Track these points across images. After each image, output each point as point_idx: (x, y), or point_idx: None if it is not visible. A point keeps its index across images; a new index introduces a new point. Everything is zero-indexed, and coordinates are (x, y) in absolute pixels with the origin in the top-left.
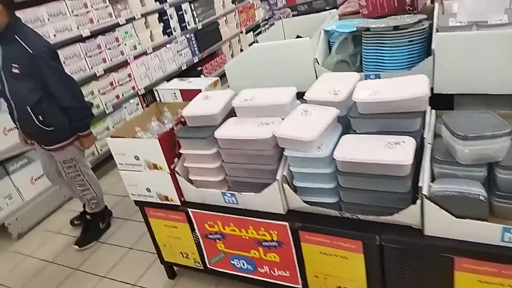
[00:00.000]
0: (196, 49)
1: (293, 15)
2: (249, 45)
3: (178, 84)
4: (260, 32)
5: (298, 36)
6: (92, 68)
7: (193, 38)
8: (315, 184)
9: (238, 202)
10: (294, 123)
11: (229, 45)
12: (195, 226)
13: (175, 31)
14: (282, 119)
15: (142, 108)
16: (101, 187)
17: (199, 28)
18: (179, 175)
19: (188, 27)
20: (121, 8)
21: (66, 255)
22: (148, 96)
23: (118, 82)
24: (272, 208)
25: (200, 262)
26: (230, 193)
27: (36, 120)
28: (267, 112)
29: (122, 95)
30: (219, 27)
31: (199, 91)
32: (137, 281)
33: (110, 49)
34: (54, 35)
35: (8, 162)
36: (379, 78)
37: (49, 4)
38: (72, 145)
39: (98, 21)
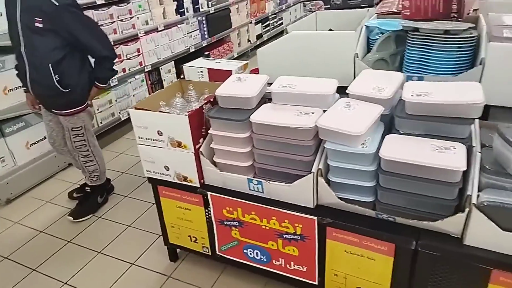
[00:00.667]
0: (206, 33)
1: (325, 9)
2: (257, 37)
3: (205, 63)
4: (268, 25)
5: (331, 30)
6: None
7: (204, 21)
8: (353, 181)
9: (264, 191)
10: (337, 116)
11: (238, 34)
12: (211, 210)
13: (187, 11)
14: (324, 111)
15: (147, 85)
16: (104, 160)
17: (211, 12)
18: (204, 156)
19: (201, 10)
20: None
21: (59, 226)
22: (154, 74)
23: (126, 56)
24: (301, 201)
25: (209, 248)
26: (257, 181)
27: (54, 80)
28: (307, 101)
29: (129, 69)
30: (230, 14)
31: (229, 72)
32: (136, 260)
33: (121, 20)
34: None
35: (5, 123)
36: (422, 80)
37: None
38: (84, 112)
39: None
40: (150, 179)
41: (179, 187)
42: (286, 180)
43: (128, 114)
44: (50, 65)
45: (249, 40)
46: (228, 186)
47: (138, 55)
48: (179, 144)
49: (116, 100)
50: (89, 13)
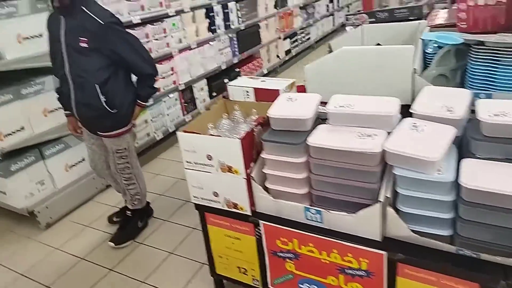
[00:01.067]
0: (236, 49)
1: (370, 22)
2: (286, 52)
3: (250, 82)
4: (296, 40)
5: (378, 44)
6: None
7: (235, 38)
8: (427, 212)
9: (323, 221)
10: (406, 139)
11: (267, 50)
12: (263, 240)
13: (219, 29)
14: (387, 133)
15: (180, 103)
16: (145, 183)
17: (241, 28)
18: (255, 182)
19: (232, 27)
20: None
21: (99, 252)
22: (187, 92)
23: (161, 75)
24: (366, 233)
25: (260, 281)
26: (315, 209)
27: (102, 101)
28: (368, 122)
29: (163, 88)
30: (259, 30)
31: (277, 91)
32: None
33: (157, 39)
34: None
35: (45, 145)
36: (490, 97)
37: None
38: (128, 133)
39: (149, 9)
40: (197, 206)
41: (228, 215)
42: (348, 208)
43: (163, 134)
44: (96, 85)
45: (278, 56)
46: (282, 215)
47: (172, 74)
48: (229, 169)
49: (151, 120)
50: None
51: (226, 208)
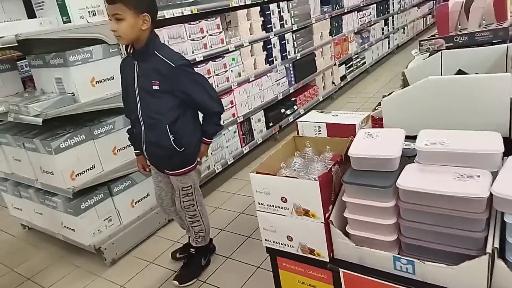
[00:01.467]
0: (292, 79)
1: (447, 47)
2: (341, 78)
3: (321, 117)
4: (351, 65)
5: (460, 71)
6: None
7: (291, 68)
8: None
9: (416, 272)
10: None
11: (322, 77)
12: None
13: (276, 60)
14: (491, 173)
15: (239, 135)
16: (209, 220)
17: (297, 58)
18: (334, 226)
19: (288, 57)
20: (232, 35)
21: None
22: (245, 124)
23: None
24: (468, 287)
25: None
26: (406, 259)
27: (171, 140)
28: (468, 161)
29: (223, 121)
30: (315, 58)
31: (352, 126)
32: None
33: (217, 75)
34: None
35: (113, 182)
36: None
37: (171, 26)
38: (194, 170)
39: (211, 46)
40: (268, 249)
41: (303, 261)
42: (443, 259)
43: (223, 166)
44: (167, 125)
45: (333, 83)
46: (365, 263)
47: (232, 107)
48: (306, 213)
49: (211, 153)
50: None
51: (301, 253)
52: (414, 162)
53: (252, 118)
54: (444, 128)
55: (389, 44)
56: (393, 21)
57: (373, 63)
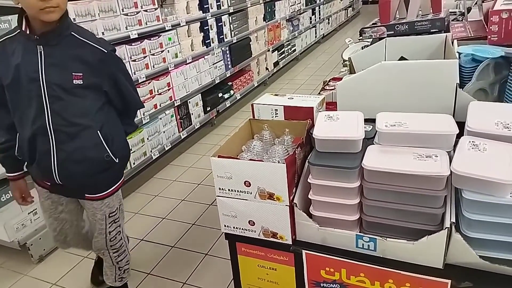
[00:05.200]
0: (229, 62)
1: (388, 35)
2: (274, 64)
3: (276, 100)
4: (283, 52)
5: (402, 58)
6: (135, 73)
7: (227, 52)
8: (498, 237)
9: (377, 249)
10: (471, 159)
11: (257, 62)
12: (305, 270)
13: (213, 42)
14: (447, 152)
15: (176, 120)
16: None
17: (234, 41)
18: (299, 209)
19: (225, 40)
20: (168, 13)
21: None
22: (183, 108)
23: (157, 91)
24: (427, 261)
25: None
26: (369, 237)
27: (107, 150)
28: (426, 142)
29: (160, 105)
30: (250, 43)
31: (310, 109)
32: None
33: (153, 54)
34: (103, 33)
35: None
36: None
37: None
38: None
39: (146, 23)
40: (227, 235)
41: (265, 245)
42: (402, 235)
43: (160, 152)
44: (98, 131)
45: (267, 68)
46: (328, 243)
47: (169, 90)
48: (270, 196)
49: (147, 139)
50: (122, 48)
51: (263, 238)
52: (373, 144)
53: (189, 102)
54: (396, 111)
55: (316, 33)
56: (319, 11)
57: (302, 51)
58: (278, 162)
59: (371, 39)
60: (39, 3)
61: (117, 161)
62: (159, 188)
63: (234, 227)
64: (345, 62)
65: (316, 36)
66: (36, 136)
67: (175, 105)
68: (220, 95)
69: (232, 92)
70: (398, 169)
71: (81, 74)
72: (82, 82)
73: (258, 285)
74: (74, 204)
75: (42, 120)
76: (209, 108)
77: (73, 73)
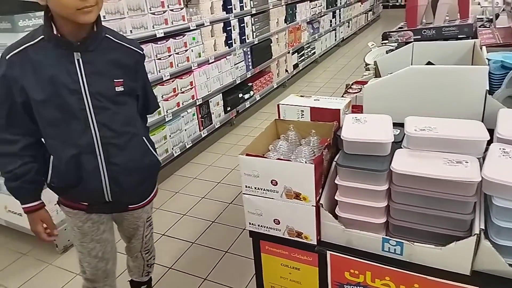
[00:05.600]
0: (250, 63)
1: (415, 40)
2: (293, 66)
3: (303, 101)
4: (303, 54)
5: (429, 63)
6: (159, 71)
7: (249, 52)
8: None
9: (404, 253)
10: (502, 166)
11: (277, 64)
12: (328, 271)
13: (235, 43)
14: (478, 159)
15: (197, 119)
16: None
17: (255, 42)
18: (325, 210)
19: (247, 40)
20: (193, 13)
21: None
22: (204, 107)
23: (181, 89)
24: (454, 267)
25: None
26: (396, 241)
27: (155, 155)
28: (454, 147)
29: (182, 103)
30: (271, 44)
31: (337, 111)
32: None
33: (178, 53)
34: (131, 31)
35: None
36: None
37: None
38: None
39: (172, 22)
40: (252, 233)
41: (289, 244)
42: (429, 240)
43: (181, 150)
44: (143, 138)
45: (286, 70)
46: (353, 246)
47: (191, 88)
48: (296, 196)
49: (170, 136)
50: (148, 46)
51: (288, 237)
52: (400, 148)
53: (210, 102)
54: (423, 116)
55: (335, 36)
56: (340, 14)
57: (321, 54)
58: (305, 162)
59: (396, 43)
60: (77, 2)
61: (160, 164)
62: (180, 185)
63: (259, 225)
64: (367, 66)
65: (335, 39)
66: (81, 155)
67: (197, 104)
68: (240, 95)
69: (252, 92)
70: (429, 174)
71: (122, 80)
72: (123, 89)
73: (281, 283)
74: (111, 221)
75: (88, 136)
76: (229, 108)
77: (114, 80)
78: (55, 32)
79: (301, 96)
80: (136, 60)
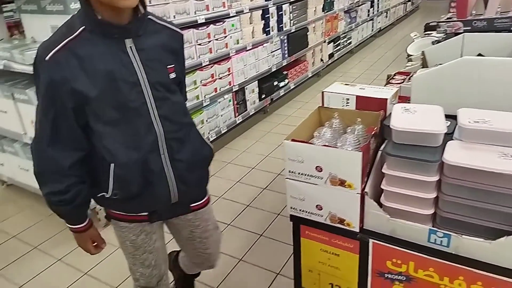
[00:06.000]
0: (286, 52)
1: (465, 31)
2: (329, 56)
3: (348, 89)
4: (339, 44)
5: (480, 55)
6: (199, 56)
7: (285, 41)
8: None
9: (450, 245)
10: None
11: (313, 53)
12: (369, 259)
13: (272, 30)
14: None
15: (233, 105)
16: None
17: (292, 31)
18: (369, 198)
19: (284, 28)
20: (233, 0)
21: None
22: (240, 94)
23: (218, 75)
24: (503, 261)
25: None
26: (443, 233)
27: (208, 144)
28: (509, 141)
29: (219, 89)
30: (307, 33)
31: (384, 100)
32: None
33: (217, 39)
34: (174, 17)
35: None
36: None
37: None
38: None
39: (213, 9)
40: (292, 217)
41: (330, 230)
42: (477, 233)
43: (216, 135)
44: (196, 128)
45: (321, 60)
46: (398, 235)
47: (229, 75)
48: (341, 183)
49: (207, 120)
50: (190, 32)
51: (329, 223)
52: (451, 139)
53: (246, 88)
54: (474, 108)
55: (372, 26)
56: (378, 3)
57: (357, 44)
58: (356, 150)
59: (445, 34)
60: None
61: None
62: (215, 169)
63: (300, 210)
64: (409, 57)
65: (372, 30)
66: (147, 156)
67: (233, 90)
68: (275, 83)
69: (286, 81)
70: (484, 167)
71: (173, 66)
72: (175, 76)
73: (319, 268)
74: (161, 227)
75: (152, 133)
76: (264, 96)
77: (167, 66)
78: (99, 18)
79: (346, 84)
80: (181, 43)
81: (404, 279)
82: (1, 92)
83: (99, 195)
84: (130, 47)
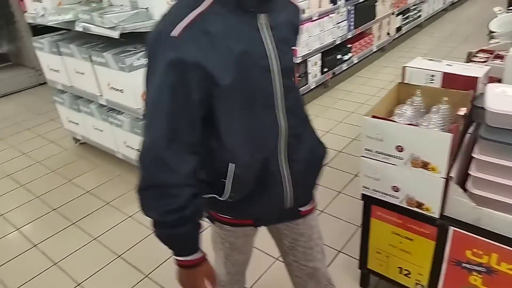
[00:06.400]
0: (352, 24)
1: None
2: (396, 30)
3: (434, 65)
4: (408, 17)
5: None
6: None
7: (352, 11)
8: None
9: None
10: None
11: (379, 26)
12: (447, 247)
13: (340, 0)
14: None
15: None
16: None
17: (360, 0)
18: (454, 183)
19: None
20: None
21: None
22: (302, 66)
23: None
24: None
25: (425, 287)
26: None
27: (322, 141)
28: None
29: None
30: (375, 3)
31: (474, 79)
32: None
33: None
34: None
35: None
36: None
37: None
38: None
39: None
40: (364, 197)
41: (406, 213)
42: None
43: None
44: (311, 123)
45: (388, 33)
46: (482, 225)
47: None
48: (424, 165)
49: None
50: None
51: (405, 206)
52: None
53: (308, 61)
54: None
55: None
56: None
57: (427, 18)
58: (445, 131)
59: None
60: None
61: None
62: None
63: (374, 190)
64: (491, 34)
65: (444, 3)
66: (270, 154)
67: (296, 62)
68: (338, 57)
69: (350, 54)
70: None
71: (296, 48)
72: (296, 59)
73: (388, 251)
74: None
75: (277, 127)
76: (326, 69)
77: (291, 48)
78: None
79: (430, 59)
80: (299, 16)
81: (484, 270)
82: (79, 54)
83: (207, 197)
84: (262, 24)
